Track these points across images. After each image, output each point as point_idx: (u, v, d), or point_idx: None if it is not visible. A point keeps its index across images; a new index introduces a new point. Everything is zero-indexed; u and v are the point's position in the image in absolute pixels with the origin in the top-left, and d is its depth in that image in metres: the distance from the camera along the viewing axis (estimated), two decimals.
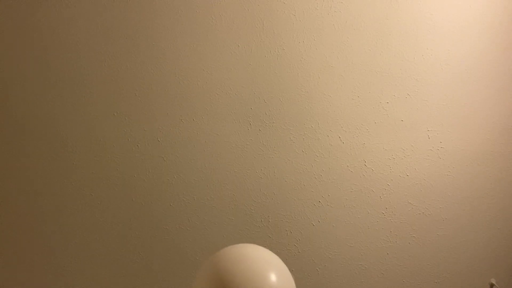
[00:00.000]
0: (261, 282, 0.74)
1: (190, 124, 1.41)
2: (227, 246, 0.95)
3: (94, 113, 1.37)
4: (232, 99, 1.42)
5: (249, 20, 1.41)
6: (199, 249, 1.44)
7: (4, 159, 1.34)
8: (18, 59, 1.33)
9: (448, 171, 1.55)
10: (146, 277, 1.43)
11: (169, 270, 1.44)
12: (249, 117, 1.44)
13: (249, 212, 1.46)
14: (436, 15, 1.50)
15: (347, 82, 1.47)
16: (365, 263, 1.54)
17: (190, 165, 1.42)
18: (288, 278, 0.82)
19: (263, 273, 0.76)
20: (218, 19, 1.39)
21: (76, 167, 1.37)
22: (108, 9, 1.34)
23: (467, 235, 1.59)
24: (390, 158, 1.52)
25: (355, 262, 1.53)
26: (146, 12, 1.36)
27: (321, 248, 1.51)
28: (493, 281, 1.59)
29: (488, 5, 1.54)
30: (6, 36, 1.32)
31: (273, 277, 0.77)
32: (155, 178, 1.41)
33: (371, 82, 1.48)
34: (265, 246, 1.41)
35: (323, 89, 1.46)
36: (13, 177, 1.35)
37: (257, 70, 1.43)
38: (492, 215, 1.60)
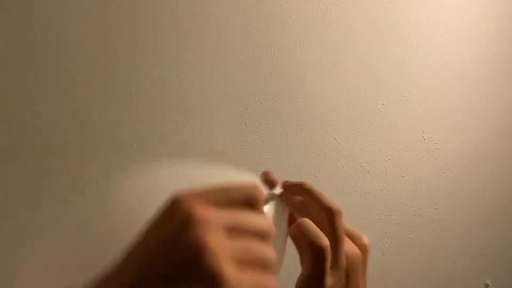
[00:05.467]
0: None
1: (186, 125, 1.41)
2: None
3: (89, 115, 1.37)
4: (228, 100, 1.42)
5: (245, 21, 1.41)
6: None
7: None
8: (12, 58, 1.32)
9: (444, 172, 1.56)
10: None
11: None
12: (245, 118, 1.44)
13: None
14: (431, 16, 1.51)
15: (343, 84, 1.48)
16: None
17: None
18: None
19: None
20: (214, 20, 1.39)
21: (73, 169, 1.37)
22: (103, 9, 1.34)
23: (463, 236, 1.59)
24: (386, 159, 1.52)
25: None
26: (141, 12, 1.36)
27: None
28: (488, 281, 1.59)
29: (485, 7, 1.54)
30: None
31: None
32: None
33: (367, 83, 1.49)
34: None
35: (319, 90, 1.47)
36: (11, 178, 1.35)
37: (253, 71, 1.43)
38: (488, 216, 1.61)
